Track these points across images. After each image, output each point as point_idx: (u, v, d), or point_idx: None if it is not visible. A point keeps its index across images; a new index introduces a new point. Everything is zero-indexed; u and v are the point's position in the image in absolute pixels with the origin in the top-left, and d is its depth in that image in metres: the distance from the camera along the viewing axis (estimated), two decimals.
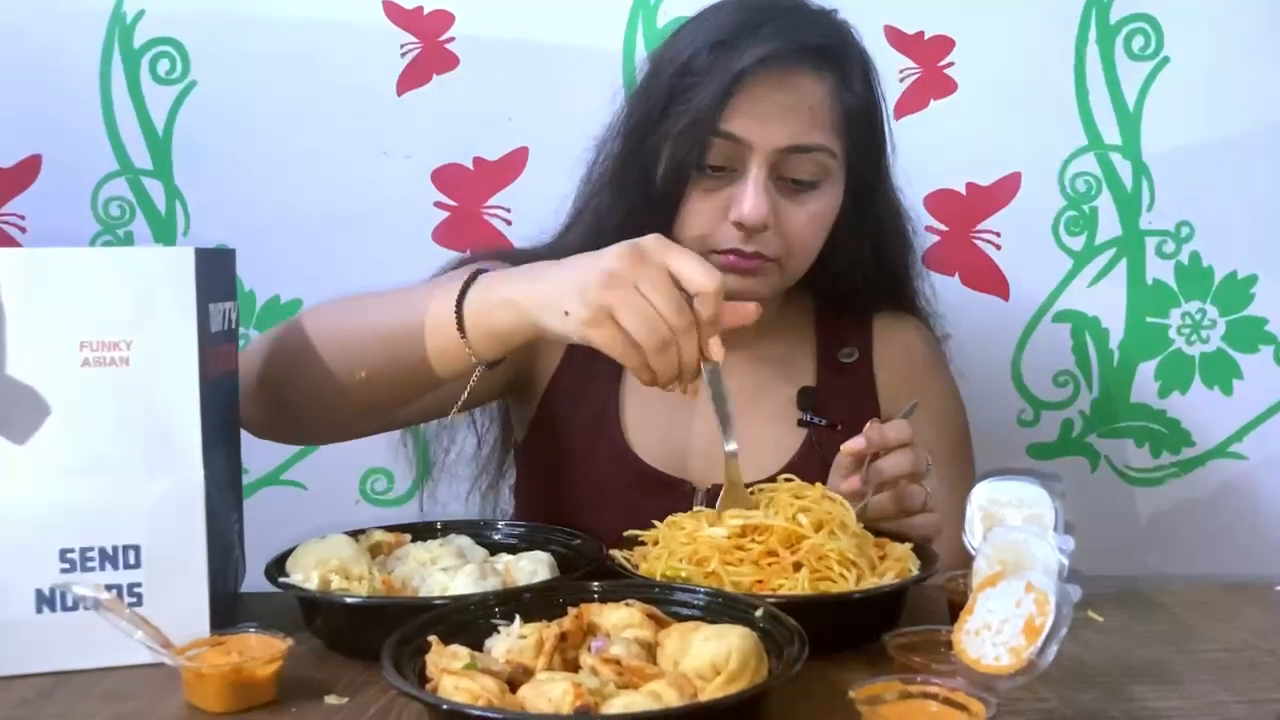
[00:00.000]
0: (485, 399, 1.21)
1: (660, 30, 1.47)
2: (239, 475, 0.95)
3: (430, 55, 1.48)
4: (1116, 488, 1.57)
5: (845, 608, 0.84)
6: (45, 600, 0.80)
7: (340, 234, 1.49)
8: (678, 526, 0.93)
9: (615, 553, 0.92)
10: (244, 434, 0.98)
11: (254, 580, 0.93)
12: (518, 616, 0.76)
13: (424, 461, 1.42)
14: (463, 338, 0.91)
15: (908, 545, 0.94)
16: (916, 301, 1.26)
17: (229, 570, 0.90)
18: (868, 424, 0.96)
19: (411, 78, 1.49)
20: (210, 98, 1.48)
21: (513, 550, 0.95)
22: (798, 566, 0.85)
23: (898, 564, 0.90)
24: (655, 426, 1.16)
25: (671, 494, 1.12)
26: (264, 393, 1.02)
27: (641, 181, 1.08)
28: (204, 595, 0.82)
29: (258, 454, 1.39)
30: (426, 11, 1.48)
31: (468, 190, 1.50)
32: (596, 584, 0.82)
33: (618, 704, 0.64)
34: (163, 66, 1.47)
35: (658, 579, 0.86)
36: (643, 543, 0.95)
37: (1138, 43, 1.49)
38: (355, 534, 0.94)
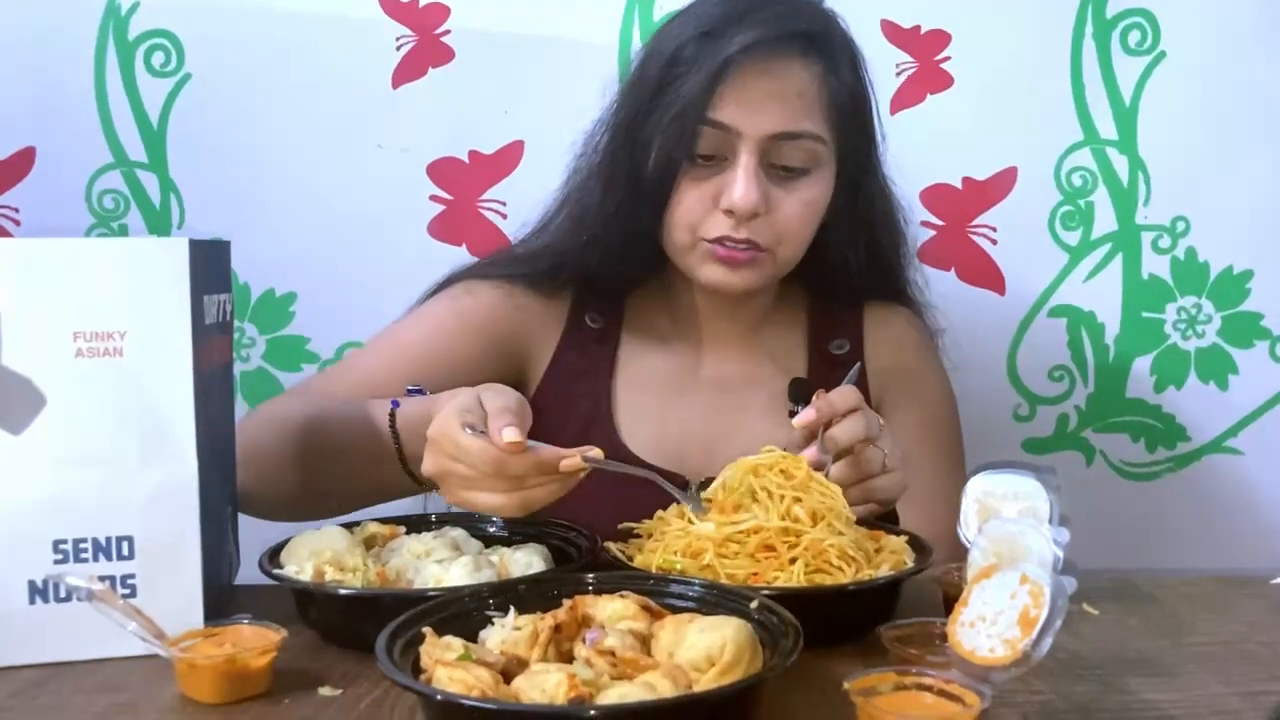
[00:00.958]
0: None
1: (656, 24, 1.47)
2: (233, 467, 0.95)
3: (426, 48, 1.48)
4: (1112, 482, 1.57)
5: (840, 600, 0.84)
6: (38, 591, 0.80)
7: (336, 227, 1.49)
8: (665, 524, 0.93)
9: (610, 545, 0.93)
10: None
11: (248, 572, 0.93)
12: (512, 608, 0.75)
13: None
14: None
15: (903, 538, 0.94)
16: (908, 292, 1.26)
17: (223, 561, 0.90)
18: (814, 393, 0.97)
19: (407, 71, 1.48)
20: (205, 91, 1.47)
21: (507, 543, 0.95)
22: (794, 560, 0.85)
23: (893, 556, 0.90)
24: (649, 421, 1.16)
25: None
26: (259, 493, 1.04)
27: (632, 173, 1.08)
28: (198, 586, 0.82)
29: None
30: (422, 4, 1.47)
31: (463, 183, 1.50)
32: (591, 576, 0.82)
33: (612, 695, 0.64)
34: (157, 59, 1.47)
35: (653, 571, 0.86)
36: (637, 535, 0.95)
37: (1134, 38, 1.49)
38: (350, 526, 0.95)
